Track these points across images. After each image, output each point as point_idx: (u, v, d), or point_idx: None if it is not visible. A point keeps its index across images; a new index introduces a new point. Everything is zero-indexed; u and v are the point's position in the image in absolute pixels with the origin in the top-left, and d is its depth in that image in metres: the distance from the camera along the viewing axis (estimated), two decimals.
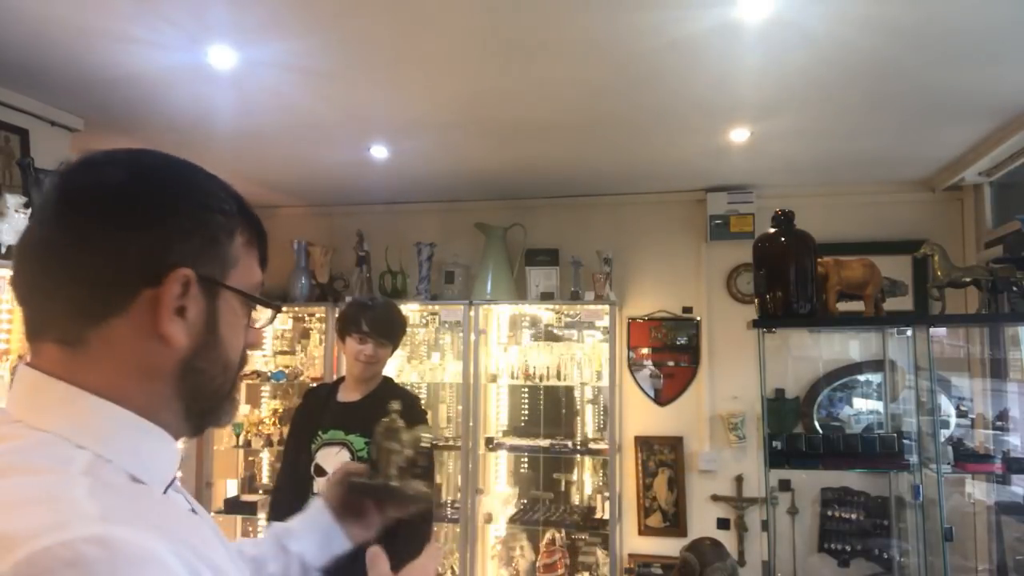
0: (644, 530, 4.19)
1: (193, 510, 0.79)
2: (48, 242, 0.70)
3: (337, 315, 2.79)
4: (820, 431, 3.91)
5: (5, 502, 0.58)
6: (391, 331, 2.57)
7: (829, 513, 3.92)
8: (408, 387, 4.11)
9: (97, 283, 0.69)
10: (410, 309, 4.44)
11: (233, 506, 4.33)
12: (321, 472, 2.47)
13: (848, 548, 3.87)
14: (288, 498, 2.39)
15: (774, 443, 2.84)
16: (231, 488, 4.49)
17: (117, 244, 0.69)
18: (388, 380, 2.68)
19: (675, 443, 4.19)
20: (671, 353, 4.25)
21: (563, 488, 4.29)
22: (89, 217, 0.69)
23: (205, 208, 0.75)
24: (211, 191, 0.77)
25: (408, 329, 4.55)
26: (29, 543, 0.54)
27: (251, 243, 0.80)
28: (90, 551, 0.54)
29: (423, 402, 4.47)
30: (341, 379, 2.67)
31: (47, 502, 0.58)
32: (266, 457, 4.59)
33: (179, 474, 0.81)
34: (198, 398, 0.75)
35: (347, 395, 2.58)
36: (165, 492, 0.74)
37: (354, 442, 2.47)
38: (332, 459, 2.45)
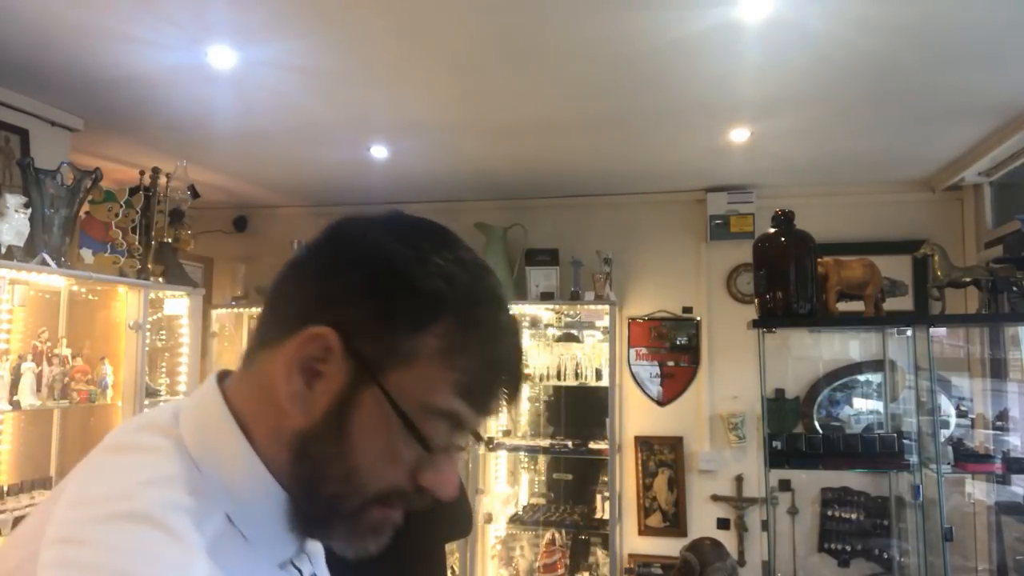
0: (644, 530, 4.18)
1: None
2: (287, 265, 0.68)
3: None
4: (820, 431, 3.91)
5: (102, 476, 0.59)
6: None
7: (829, 513, 3.92)
8: None
9: (276, 308, 0.66)
10: None
11: None
12: None
13: (848, 548, 3.87)
14: None
15: (774, 443, 2.84)
16: None
17: (305, 280, 0.65)
18: None
19: (675, 443, 4.19)
20: (671, 353, 4.25)
21: (563, 488, 4.29)
22: (320, 251, 0.66)
23: (400, 284, 0.61)
24: (419, 271, 0.62)
25: None
26: (102, 505, 0.54)
27: (452, 361, 0.62)
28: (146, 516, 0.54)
29: None
30: None
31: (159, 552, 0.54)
32: None
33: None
34: (308, 495, 0.62)
35: None
36: (282, 567, 0.66)
37: None
38: None
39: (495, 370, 0.65)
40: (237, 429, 0.63)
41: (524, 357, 0.71)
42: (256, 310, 4.52)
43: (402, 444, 0.62)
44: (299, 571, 0.69)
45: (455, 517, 2.16)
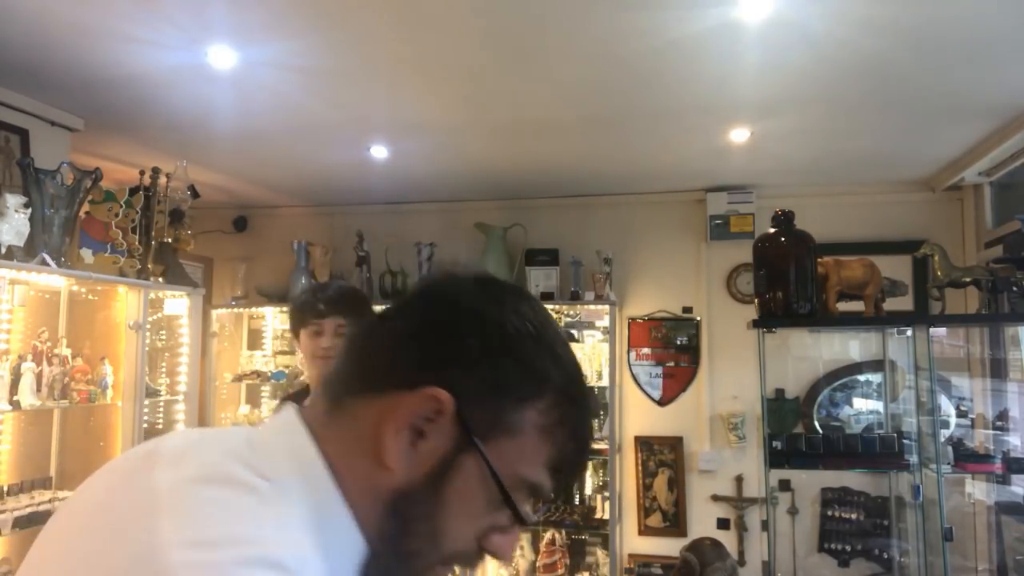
0: (644, 530, 4.18)
1: None
2: (379, 317, 0.69)
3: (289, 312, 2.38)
4: (820, 431, 3.91)
5: (227, 516, 0.55)
6: (357, 308, 2.19)
7: (829, 513, 3.92)
8: None
9: (374, 356, 0.66)
10: None
11: None
12: None
13: (848, 548, 3.87)
14: None
15: (774, 443, 2.84)
16: None
17: (408, 338, 0.65)
18: None
19: (675, 443, 4.19)
20: (671, 353, 4.25)
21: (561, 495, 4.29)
22: (421, 303, 0.68)
23: (512, 357, 0.63)
24: (530, 347, 0.64)
25: None
26: (251, 547, 0.53)
27: (549, 435, 0.64)
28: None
29: None
30: (308, 387, 2.39)
31: (251, 540, 0.54)
32: None
33: None
34: (391, 551, 0.62)
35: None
36: None
37: None
38: None
39: (579, 446, 0.67)
40: (331, 480, 0.61)
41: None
42: (256, 310, 4.53)
43: (488, 510, 0.63)
44: None
45: None
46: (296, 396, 2.36)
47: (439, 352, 0.63)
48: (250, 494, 0.57)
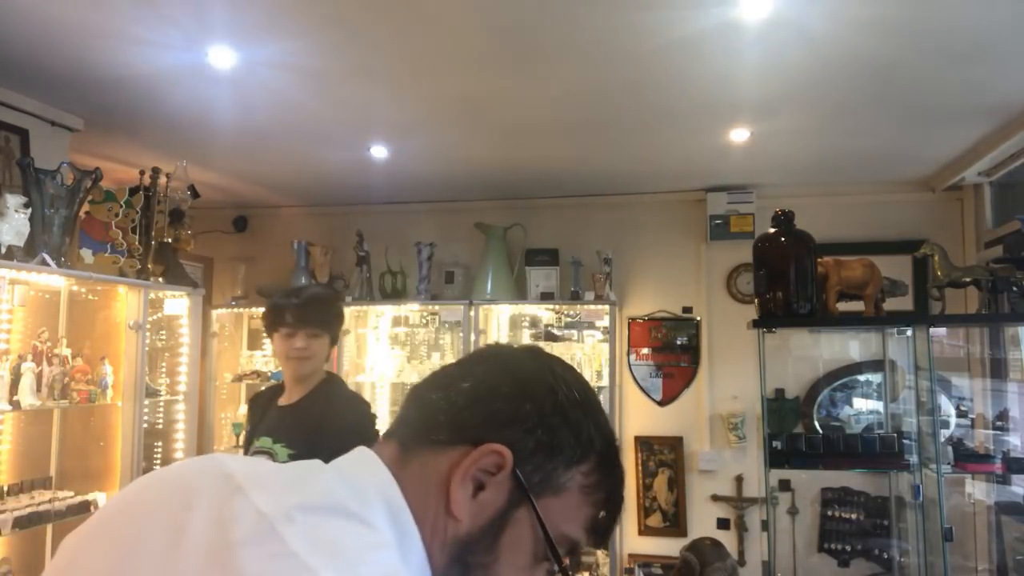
0: (644, 530, 4.18)
1: None
2: (451, 367, 0.75)
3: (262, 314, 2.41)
4: (820, 431, 3.91)
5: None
6: (322, 318, 2.22)
7: (829, 513, 3.92)
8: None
9: (443, 411, 0.71)
10: (410, 309, 4.44)
11: None
12: None
13: (848, 548, 3.87)
14: None
15: (774, 443, 2.84)
16: None
17: (476, 393, 0.71)
18: (331, 378, 2.34)
19: (675, 443, 4.19)
20: (671, 353, 4.25)
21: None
22: (486, 367, 0.74)
23: (564, 422, 0.70)
24: (578, 414, 0.71)
25: (408, 329, 4.59)
26: None
27: (590, 496, 0.71)
28: None
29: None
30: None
31: (382, 564, 0.58)
32: None
33: None
34: None
35: (286, 398, 2.27)
36: None
37: (278, 453, 2.11)
38: None
39: (615, 507, 0.73)
40: (414, 524, 0.65)
41: None
42: (257, 310, 4.52)
43: (532, 562, 0.68)
44: None
45: None
46: (268, 394, 2.38)
47: (500, 414, 0.69)
48: (370, 530, 0.61)
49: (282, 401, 2.27)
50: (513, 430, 0.68)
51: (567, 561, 0.71)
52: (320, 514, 0.59)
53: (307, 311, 2.19)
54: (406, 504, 0.65)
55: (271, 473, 0.66)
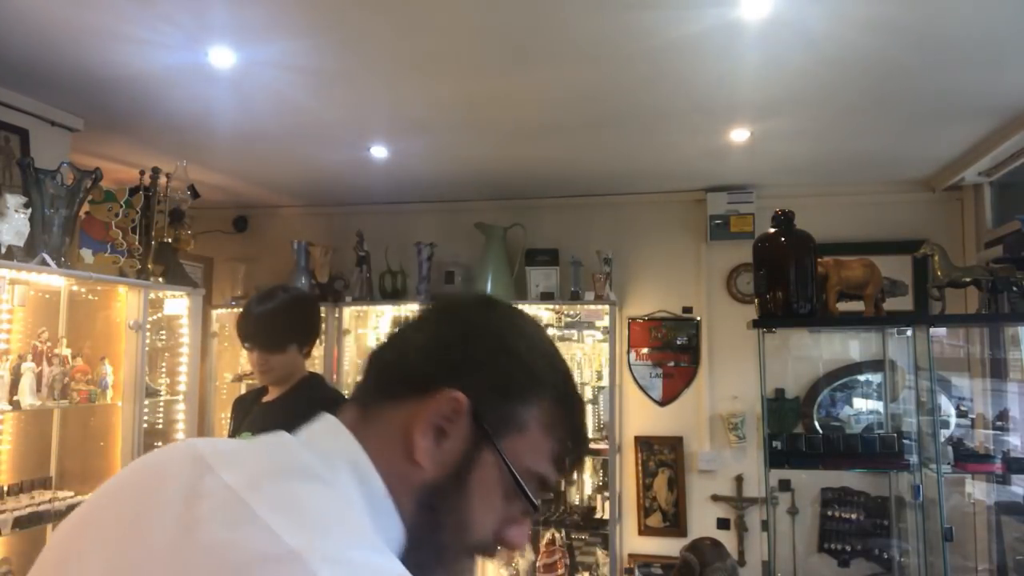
0: (644, 530, 4.18)
1: None
2: (398, 331, 0.78)
3: None
4: (820, 431, 3.91)
5: (313, 518, 0.59)
6: (281, 336, 2.20)
7: (829, 513, 3.92)
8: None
9: (397, 364, 0.74)
10: (410, 309, 4.44)
11: None
12: None
13: (848, 548, 3.87)
14: None
15: (774, 443, 2.84)
16: None
17: (428, 341, 0.73)
18: (310, 379, 2.33)
19: (675, 443, 4.19)
20: (671, 353, 4.25)
21: (563, 488, 4.29)
22: (436, 317, 0.77)
23: (516, 363, 0.72)
24: (529, 354, 0.74)
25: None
26: (344, 556, 0.56)
27: (551, 432, 0.73)
28: None
29: None
30: None
31: (347, 523, 0.60)
32: None
33: None
34: (423, 543, 0.69)
35: (269, 394, 2.31)
36: None
37: None
38: None
39: (577, 440, 0.76)
40: (378, 476, 0.68)
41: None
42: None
43: (504, 502, 0.71)
44: None
45: None
46: (253, 395, 2.40)
47: (453, 361, 0.71)
48: (335, 491, 0.63)
49: (267, 398, 2.31)
50: (467, 375, 0.70)
51: (539, 501, 0.74)
52: (286, 479, 0.61)
53: (256, 331, 2.18)
54: (370, 462, 0.67)
55: (239, 450, 0.68)
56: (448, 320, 0.76)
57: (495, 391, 0.71)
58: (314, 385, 2.31)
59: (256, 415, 2.28)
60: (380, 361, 0.76)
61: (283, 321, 2.23)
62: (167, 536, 0.58)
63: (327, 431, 0.71)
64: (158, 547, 0.58)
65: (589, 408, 4.36)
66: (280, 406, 2.22)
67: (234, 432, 2.31)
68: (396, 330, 0.79)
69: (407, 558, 0.66)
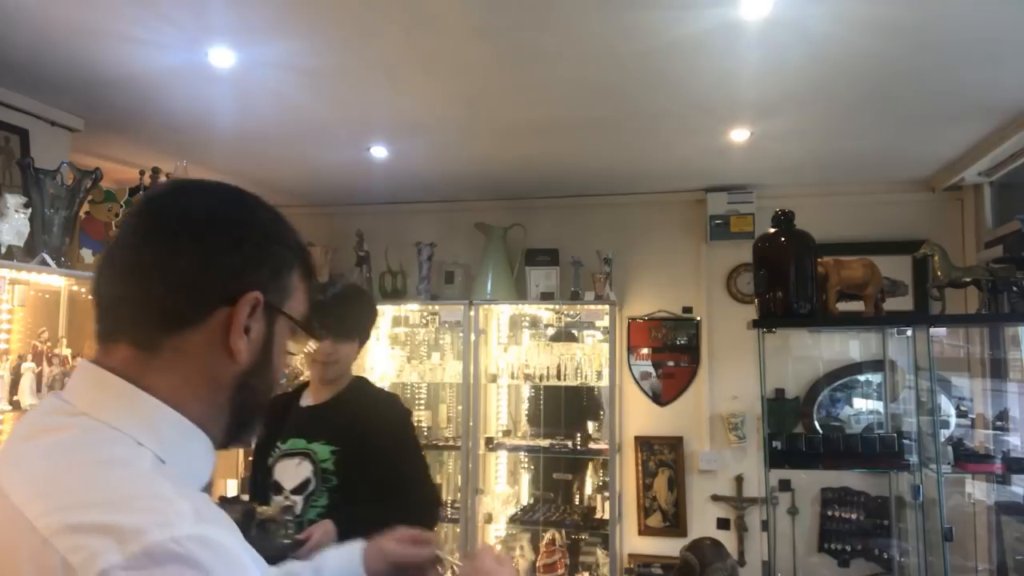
0: (644, 530, 4.18)
1: None
2: (139, 253, 0.77)
3: None
4: (820, 431, 3.91)
5: (105, 497, 0.65)
6: (350, 325, 2.14)
7: (829, 513, 3.92)
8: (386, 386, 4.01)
9: (180, 295, 0.77)
10: (410, 309, 4.44)
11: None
12: (279, 489, 2.08)
13: (848, 548, 3.87)
14: None
15: (774, 443, 2.84)
16: (231, 488, 4.49)
17: (203, 264, 0.77)
18: (360, 380, 2.28)
19: (675, 443, 4.19)
20: (671, 353, 4.25)
21: (563, 488, 4.29)
22: (182, 235, 0.77)
23: (274, 241, 0.83)
24: (278, 228, 0.85)
25: (408, 329, 4.59)
26: (142, 537, 0.60)
27: (304, 278, 0.87)
28: (196, 549, 0.61)
29: (423, 401, 4.51)
30: (305, 384, 2.30)
31: (146, 498, 0.65)
32: None
33: None
34: (243, 412, 0.83)
35: (311, 398, 2.20)
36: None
37: (318, 451, 2.06)
38: (291, 472, 2.07)
39: (312, 273, 0.91)
40: (175, 413, 0.76)
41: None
42: None
43: (288, 344, 0.87)
44: None
45: (420, 511, 2.05)
46: (284, 398, 2.29)
47: (234, 265, 0.79)
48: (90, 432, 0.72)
49: (307, 401, 2.20)
50: (252, 273, 0.80)
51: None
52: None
53: (327, 318, 2.08)
54: (159, 401, 0.75)
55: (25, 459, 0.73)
56: (199, 235, 0.78)
57: (273, 274, 0.82)
58: (368, 390, 2.22)
59: (302, 418, 2.15)
60: (131, 296, 0.77)
61: (352, 310, 2.17)
62: None
63: (107, 397, 0.75)
64: None
65: (590, 408, 4.35)
66: (337, 408, 2.12)
67: (272, 439, 2.15)
68: (113, 261, 0.79)
69: (232, 429, 0.82)
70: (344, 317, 2.14)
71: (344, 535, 1.58)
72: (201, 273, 0.77)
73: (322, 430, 2.09)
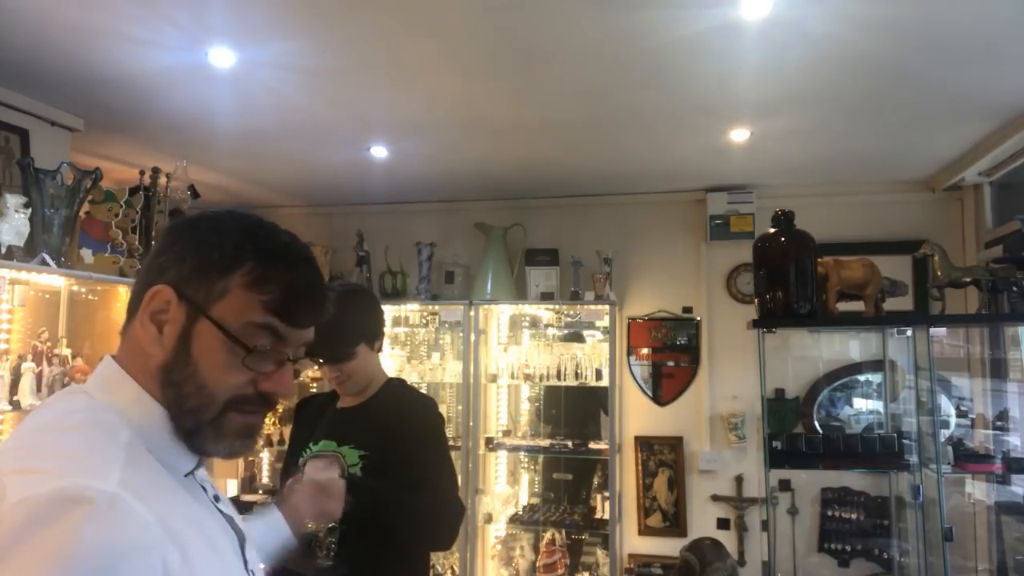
0: (644, 530, 4.18)
1: (216, 497, 0.96)
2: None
3: None
4: (820, 431, 3.91)
5: (55, 452, 0.76)
6: (339, 345, 1.97)
7: (829, 513, 3.92)
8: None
9: (136, 284, 0.89)
10: (410, 309, 4.45)
11: (233, 506, 4.33)
12: None
13: (848, 548, 3.87)
14: None
15: (774, 443, 2.84)
16: (231, 488, 4.49)
17: (152, 256, 0.89)
18: (394, 381, 2.16)
19: (675, 443, 4.19)
20: (671, 353, 4.25)
21: (563, 488, 4.29)
22: (171, 234, 0.91)
23: (209, 243, 0.86)
24: (220, 229, 0.88)
25: (408, 329, 4.59)
26: (62, 480, 0.70)
27: (256, 286, 0.86)
28: (101, 499, 0.70)
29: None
30: None
31: (87, 459, 0.76)
32: (266, 457, 4.59)
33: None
34: (178, 413, 0.85)
35: (346, 400, 2.12)
36: (186, 476, 0.89)
37: (347, 455, 1.97)
38: (320, 474, 1.94)
39: (291, 289, 0.88)
40: (136, 386, 0.86)
41: (321, 280, 0.96)
42: None
43: (233, 356, 0.85)
44: (204, 489, 0.93)
45: (439, 529, 1.94)
46: (321, 398, 2.23)
47: (161, 262, 0.87)
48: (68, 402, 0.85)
49: (342, 404, 2.11)
50: (171, 268, 0.86)
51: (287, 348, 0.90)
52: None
53: (317, 343, 1.90)
54: (126, 374, 0.86)
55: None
56: (158, 241, 0.92)
57: (196, 271, 0.85)
58: (402, 392, 2.12)
59: (335, 421, 2.07)
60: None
61: (341, 322, 1.96)
62: None
63: (99, 367, 0.89)
64: None
65: (590, 408, 4.35)
66: (370, 411, 2.03)
67: (305, 439, 2.08)
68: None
69: (175, 427, 0.85)
70: (334, 333, 1.99)
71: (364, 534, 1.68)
72: (148, 264, 0.89)
73: (352, 434, 2.01)
